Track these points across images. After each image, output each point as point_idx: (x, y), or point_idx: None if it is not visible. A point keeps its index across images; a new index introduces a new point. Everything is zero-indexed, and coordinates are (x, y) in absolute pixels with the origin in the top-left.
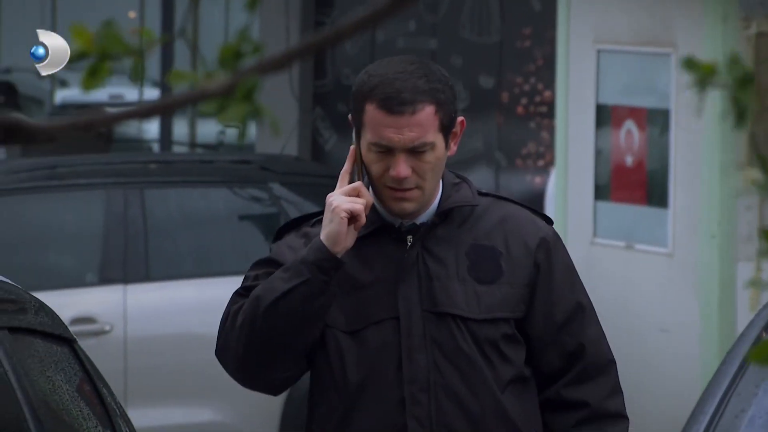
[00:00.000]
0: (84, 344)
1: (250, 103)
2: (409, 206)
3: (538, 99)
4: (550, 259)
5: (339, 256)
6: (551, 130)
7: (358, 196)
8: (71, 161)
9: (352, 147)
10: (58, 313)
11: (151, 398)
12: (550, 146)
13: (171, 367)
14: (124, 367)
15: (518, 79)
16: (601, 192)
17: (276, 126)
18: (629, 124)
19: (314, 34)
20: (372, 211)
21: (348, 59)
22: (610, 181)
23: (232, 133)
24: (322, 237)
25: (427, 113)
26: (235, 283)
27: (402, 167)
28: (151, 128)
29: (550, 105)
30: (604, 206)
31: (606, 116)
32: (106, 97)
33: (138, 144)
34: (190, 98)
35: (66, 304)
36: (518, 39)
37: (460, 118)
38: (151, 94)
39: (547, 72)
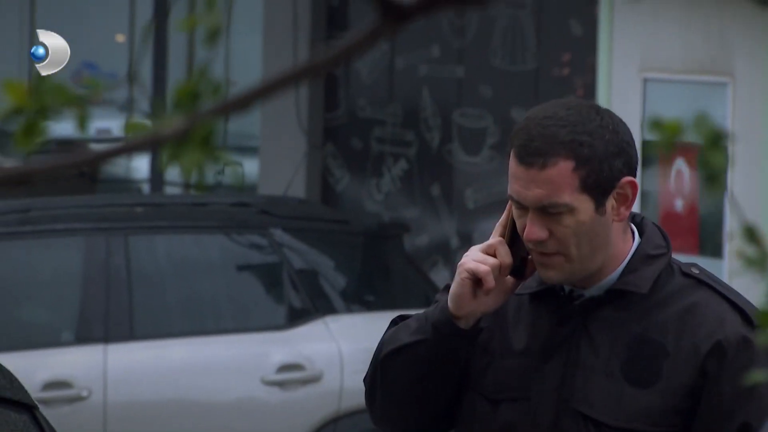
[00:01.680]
0: (58, 412)
1: (207, 148)
2: (552, 274)
3: None
4: (722, 368)
5: (463, 322)
6: None
7: (494, 255)
8: (47, 203)
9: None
10: (29, 377)
11: None
12: None
13: None
14: None
15: None
16: None
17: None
18: (680, 164)
19: (284, 70)
20: None
21: (363, 88)
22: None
23: (230, 173)
24: (449, 298)
25: (561, 169)
26: (231, 342)
27: (532, 228)
28: (141, 166)
29: None
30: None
31: (653, 154)
32: (92, 132)
33: (126, 184)
34: (142, 144)
35: (38, 366)
36: (556, 66)
37: (627, 179)
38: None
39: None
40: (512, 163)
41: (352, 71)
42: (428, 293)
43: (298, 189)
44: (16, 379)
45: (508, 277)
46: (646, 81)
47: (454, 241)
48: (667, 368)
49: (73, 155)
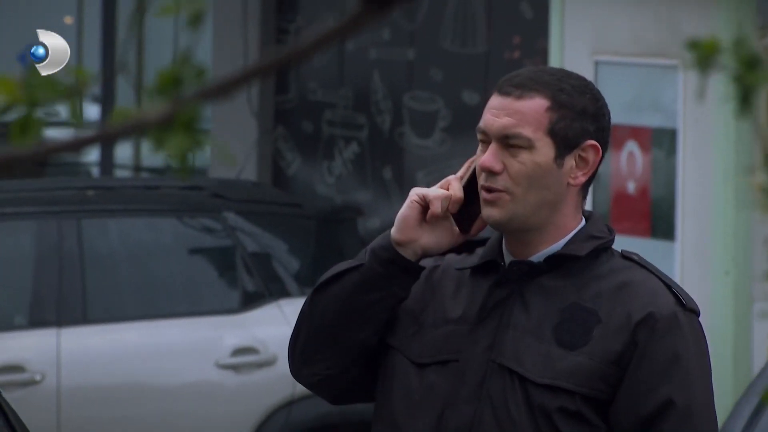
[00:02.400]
0: (11, 396)
1: (190, 133)
2: (495, 212)
3: None
4: (652, 339)
5: (404, 249)
6: None
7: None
8: None
9: (477, 154)
10: None
11: None
12: None
13: (111, 422)
14: (56, 421)
15: None
16: None
17: (229, 157)
18: (631, 146)
19: (264, 56)
20: (494, 244)
21: (314, 72)
22: (610, 210)
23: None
24: (395, 221)
25: (535, 104)
26: (184, 326)
27: (488, 156)
28: (91, 149)
29: None
30: None
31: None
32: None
33: (75, 168)
34: (126, 130)
35: None
36: (506, 50)
37: (592, 142)
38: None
39: None
40: (492, 97)
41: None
42: None
43: (249, 172)
44: None
45: (455, 227)
46: (597, 64)
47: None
48: (598, 333)
49: (58, 141)
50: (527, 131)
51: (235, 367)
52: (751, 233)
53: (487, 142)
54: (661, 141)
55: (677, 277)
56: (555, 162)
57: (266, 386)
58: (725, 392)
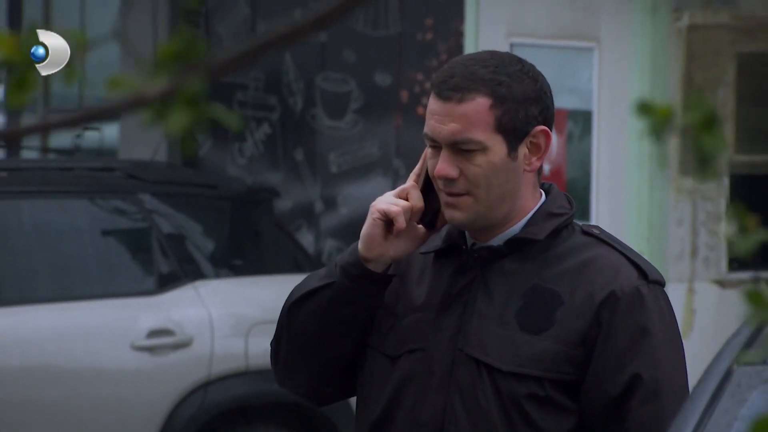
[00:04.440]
0: None
1: (195, 109)
2: (459, 215)
3: None
4: (615, 317)
5: (373, 265)
6: None
7: (406, 198)
8: None
9: (426, 149)
10: None
11: None
12: None
13: (24, 405)
14: None
15: (419, 77)
16: None
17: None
18: None
19: (268, 33)
20: (455, 228)
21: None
22: None
23: (91, 137)
24: (360, 239)
25: (478, 105)
26: (99, 308)
27: (443, 164)
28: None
29: None
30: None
31: None
32: None
33: None
34: (124, 105)
35: None
36: (419, 31)
37: (541, 128)
38: None
39: None
40: (431, 100)
41: (213, 35)
42: (298, 257)
43: (159, 153)
44: None
45: (420, 226)
46: (513, 46)
47: (318, 206)
48: (561, 315)
49: (62, 115)
50: (477, 135)
51: (150, 349)
52: (666, 214)
53: (437, 147)
54: (576, 122)
55: None
56: (509, 156)
57: (182, 368)
58: None
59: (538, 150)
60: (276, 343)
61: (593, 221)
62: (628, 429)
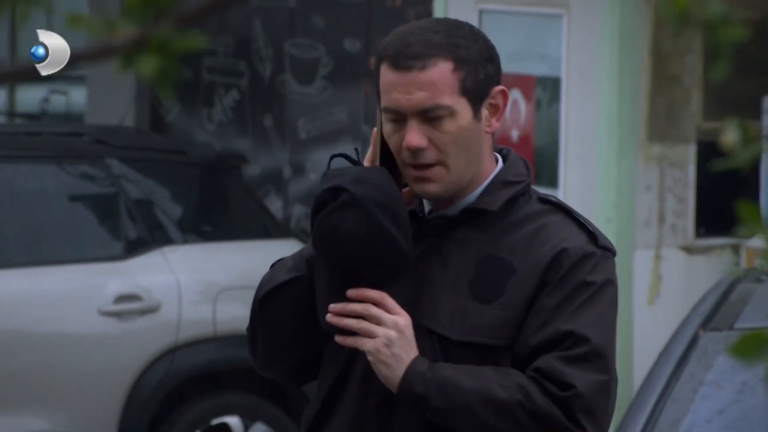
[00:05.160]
0: None
1: (164, 55)
2: (432, 187)
3: None
4: (560, 273)
5: None
6: None
7: None
8: None
9: (375, 130)
10: None
11: None
12: None
13: None
14: None
15: None
16: None
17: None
18: (515, 94)
19: None
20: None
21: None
22: None
23: (58, 101)
24: None
25: (441, 70)
26: (67, 273)
27: (412, 135)
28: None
29: None
30: None
31: None
32: None
33: None
34: (92, 53)
35: None
36: None
37: (499, 88)
38: None
39: None
40: (386, 74)
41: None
42: (267, 224)
43: (127, 119)
44: None
45: None
46: (482, 12)
47: (287, 172)
48: (512, 284)
49: (17, 65)
50: (445, 99)
51: (118, 314)
52: (634, 181)
53: (399, 120)
54: (545, 89)
55: None
56: (474, 118)
57: (149, 333)
58: None
59: (496, 111)
60: (251, 336)
61: (561, 188)
62: (538, 367)
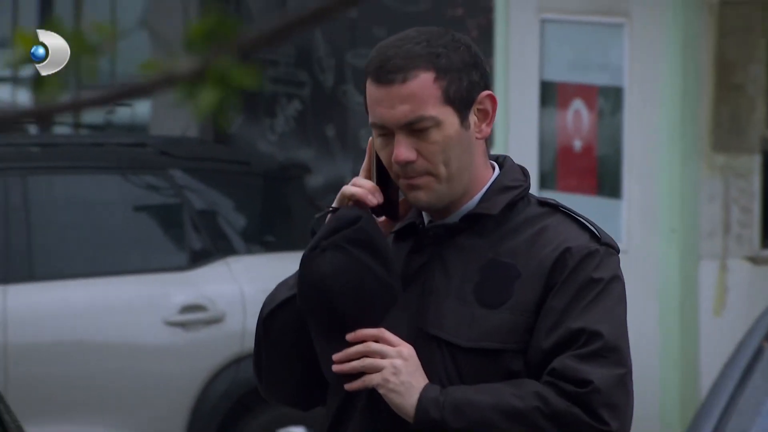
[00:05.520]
0: None
1: (223, 88)
2: (423, 196)
3: None
4: (565, 273)
5: None
6: None
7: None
8: None
9: (370, 140)
10: None
11: (35, 414)
12: None
13: (58, 379)
14: (3, 379)
15: None
16: (545, 180)
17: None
18: (577, 104)
19: (298, 11)
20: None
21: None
22: (556, 168)
23: (123, 113)
24: None
25: (423, 81)
26: (132, 283)
27: (400, 149)
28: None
29: None
30: (550, 196)
31: (551, 94)
32: None
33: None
34: (155, 84)
35: None
36: (449, 7)
37: (486, 93)
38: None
39: (482, 44)
40: (371, 89)
41: (244, 9)
42: None
43: (190, 129)
44: None
45: (383, 218)
46: (543, 22)
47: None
48: (517, 287)
49: (93, 93)
50: (428, 111)
51: (183, 325)
52: (697, 190)
53: (387, 134)
54: (607, 99)
55: (623, 235)
56: (462, 126)
57: (214, 343)
58: (672, 351)
59: (486, 116)
60: (256, 357)
61: (624, 198)
62: (553, 369)
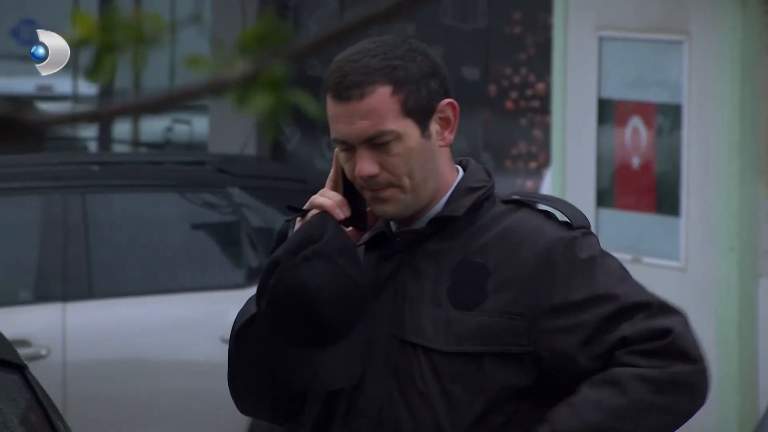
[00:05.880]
0: None
1: (277, 93)
2: (389, 208)
3: (530, 92)
4: (558, 278)
5: None
6: (546, 128)
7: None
8: (1, 162)
9: (336, 150)
10: None
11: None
12: (545, 146)
13: (117, 396)
14: (63, 396)
15: (507, 70)
16: (603, 198)
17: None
18: (635, 121)
19: (351, 15)
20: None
21: None
22: (614, 186)
23: (181, 131)
24: None
25: (380, 96)
26: (189, 301)
27: (363, 164)
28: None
29: (544, 99)
30: (608, 214)
31: (609, 112)
32: (32, 88)
33: (71, 142)
34: (207, 88)
35: None
36: (507, 25)
37: (446, 101)
38: (87, 86)
39: (540, 62)
40: (330, 105)
41: (302, 28)
42: None
43: (248, 147)
44: (5, 338)
45: (350, 228)
46: (601, 39)
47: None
48: (491, 287)
49: (146, 96)
50: (388, 125)
51: None
52: (756, 208)
53: (349, 149)
54: (666, 116)
55: (681, 253)
56: (423, 137)
57: None
58: (730, 369)
59: (447, 123)
60: (231, 373)
61: (683, 215)
62: (625, 338)
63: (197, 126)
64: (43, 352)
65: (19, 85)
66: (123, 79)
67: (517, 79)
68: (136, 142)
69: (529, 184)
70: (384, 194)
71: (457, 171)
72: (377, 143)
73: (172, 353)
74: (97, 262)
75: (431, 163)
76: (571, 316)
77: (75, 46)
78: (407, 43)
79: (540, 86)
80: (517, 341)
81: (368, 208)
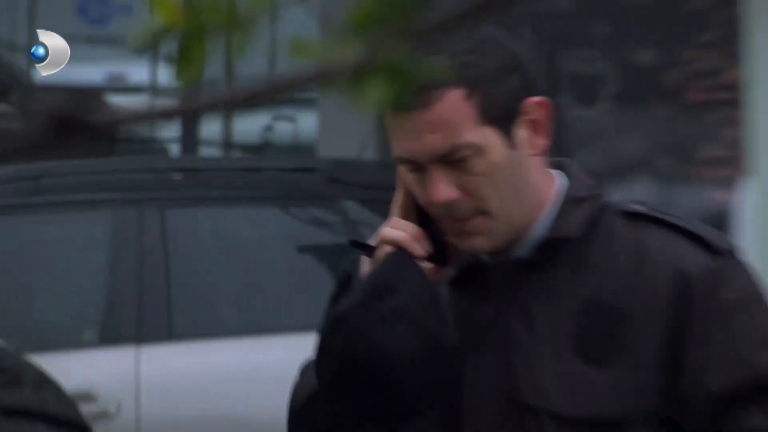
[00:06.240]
0: None
1: (395, 83)
2: (479, 243)
3: (718, 82)
4: (698, 305)
5: None
6: (740, 126)
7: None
8: (63, 168)
9: (401, 169)
10: None
11: None
12: (739, 148)
13: None
14: None
15: (689, 54)
16: None
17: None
18: None
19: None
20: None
21: None
22: None
23: (283, 130)
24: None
25: (452, 102)
26: (293, 344)
27: (438, 188)
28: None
29: (737, 90)
30: None
31: None
32: (101, 77)
33: (149, 144)
34: (313, 77)
35: (53, 373)
36: None
37: (534, 99)
38: (165, 73)
39: (730, 44)
40: (389, 117)
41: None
42: None
43: (367, 149)
44: (65, 392)
45: (429, 264)
46: None
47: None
48: (630, 333)
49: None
50: (464, 137)
51: None
52: None
53: (419, 169)
54: None
55: None
56: (508, 147)
57: None
58: None
59: (537, 126)
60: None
61: None
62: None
63: (303, 124)
64: (112, 408)
65: (86, 73)
66: (213, 68)
67: (701, 66)
68: (228, 144)
69: (719, 195)
70: (470, 226)
71: (553, 178)
72: (453, 160)
73: (270, 409)
74: (178, 295)
75: (522, 178)
76: (705, 358)
77: (156, 35)
78: (477, 32)
79: (731, 74)
80: (662, 402)
81: (447, 236)
